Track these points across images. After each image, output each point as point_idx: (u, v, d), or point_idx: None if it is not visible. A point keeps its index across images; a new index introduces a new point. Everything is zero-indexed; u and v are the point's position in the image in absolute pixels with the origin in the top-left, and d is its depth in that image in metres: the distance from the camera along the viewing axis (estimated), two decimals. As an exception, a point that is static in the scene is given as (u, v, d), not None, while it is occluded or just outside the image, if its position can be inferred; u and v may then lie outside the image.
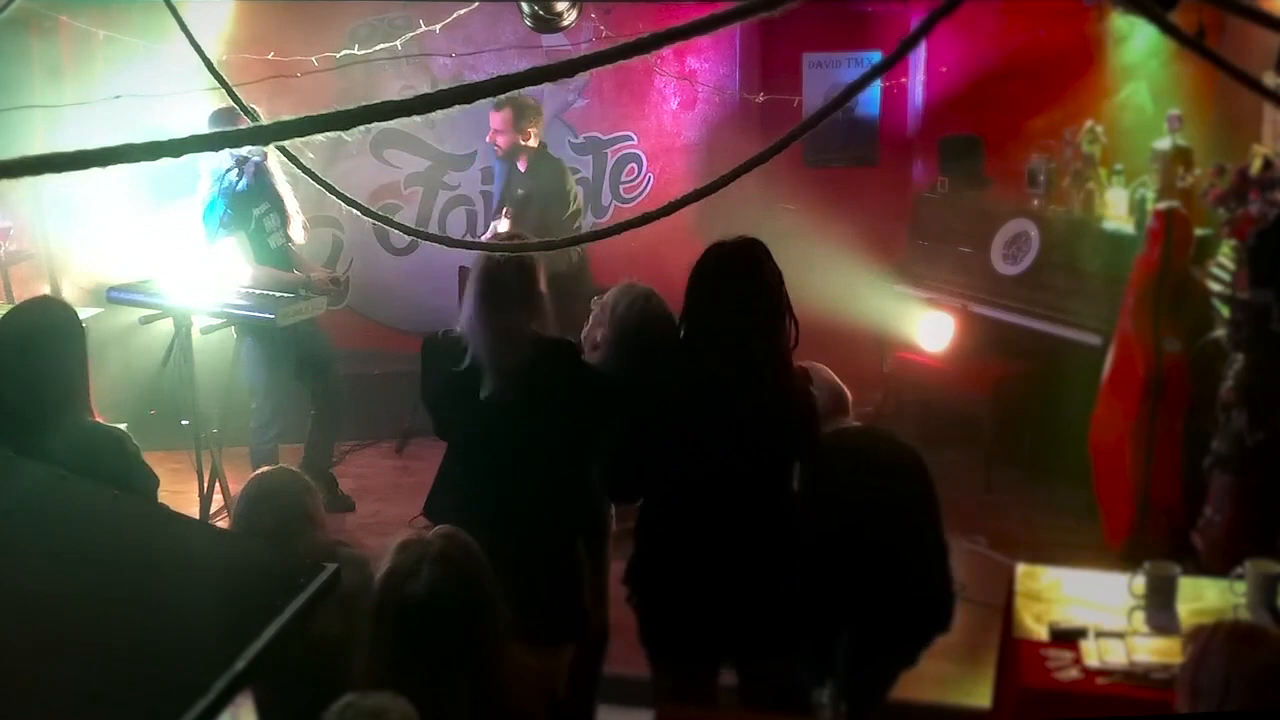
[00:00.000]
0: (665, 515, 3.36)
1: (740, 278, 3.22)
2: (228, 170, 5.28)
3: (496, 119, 5.89)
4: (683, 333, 3.29)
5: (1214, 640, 2.38)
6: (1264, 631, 2.50)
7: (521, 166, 6.01)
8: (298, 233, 5.67)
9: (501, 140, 5.93)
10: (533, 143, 5.96)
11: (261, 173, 5.43)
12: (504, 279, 3.35)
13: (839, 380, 3.69)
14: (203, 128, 5.22)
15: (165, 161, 1.00)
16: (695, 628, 3.33)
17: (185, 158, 1.01)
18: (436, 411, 3.60)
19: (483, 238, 6.02)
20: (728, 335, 3.20)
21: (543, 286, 3.46)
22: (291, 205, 5.62)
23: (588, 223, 7.34)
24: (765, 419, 3.24)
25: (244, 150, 5.22)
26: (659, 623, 3.38)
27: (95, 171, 0.96)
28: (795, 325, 3.26)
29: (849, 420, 3.68)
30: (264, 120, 1.31)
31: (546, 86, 6.55)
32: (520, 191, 6.01)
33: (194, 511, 5.02)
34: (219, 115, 5.25)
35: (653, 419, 3.30)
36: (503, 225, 6.00)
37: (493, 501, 3.37)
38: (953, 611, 3.55)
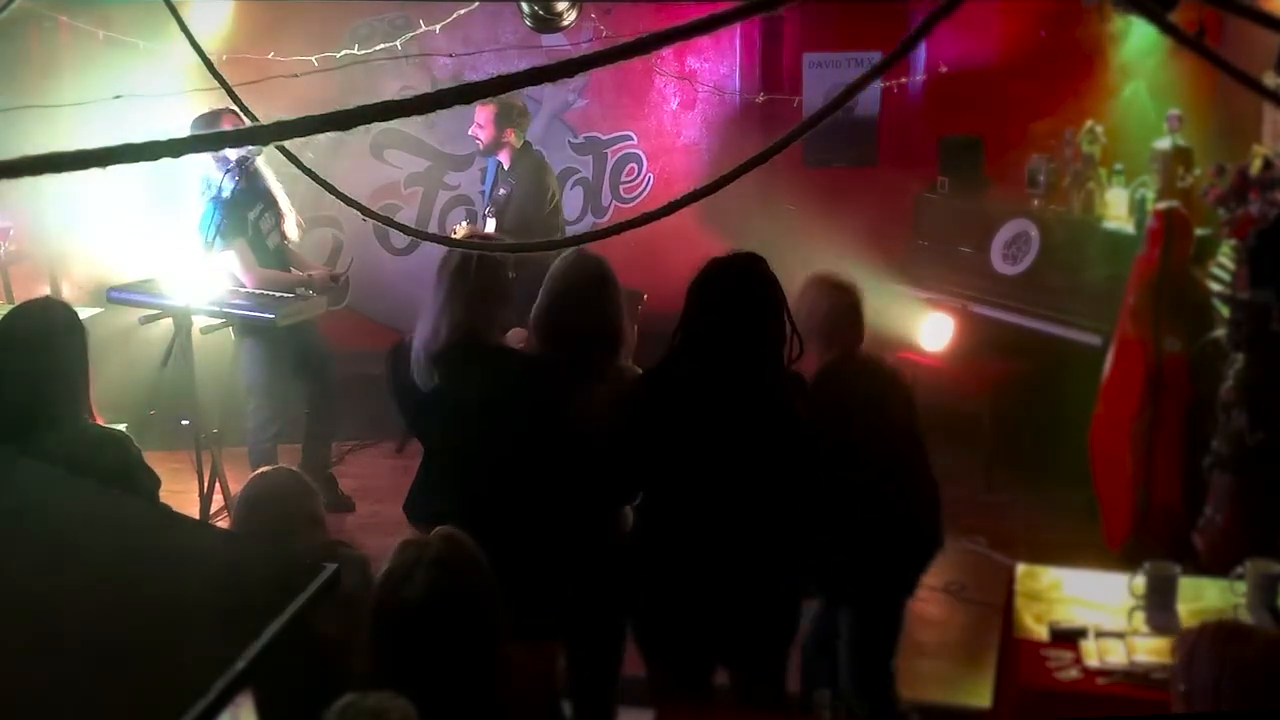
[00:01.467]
0: (660, 519, 3.36)
1: (739, 295, 3.23)
2: (225, 173, 5.28)
3: (481, 113, 5.89)
4: (679, 340, 3.30)
5: (1201, 641, 2.38)
6: (1250, 629, 2.50)
7: (505, 163, 6.03)
8: (292, 230, 5.66)
9: (482, 135, 5.94)
10: (514, 142, 5.96)
11: (253, 175, 5.43)
12: (464, 276, 3.39)
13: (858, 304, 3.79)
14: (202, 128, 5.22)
15: (165, 162, 1.00)
16: (688, 627, 3.33)
17: (181, 161, 1.02)
18: (406, 415, 3.66)
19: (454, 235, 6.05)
20: (725, 348, 3.21)
21: (506, 289, 3.49)
22: (284, 203, 5.61)
23: (587, 223, 7.35)
24: (759, 427, 3.24)
25: (232, 153, 5.22)
26: (653, 622, 3.39)
27: (95, 171, 0.97)
28: (798, 336, 3.27)
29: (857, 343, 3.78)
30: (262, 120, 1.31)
31: (546, 86, 6.55)
32: (501, 190, 6.03)
33: (194, 511, 5.02)
34: (201, 120, 5.24)
35: (646, 425, 3.30)
36: (489, 226, 6.01)
37: (455, 499, 3.38)
38: (942, 528, 3.76)
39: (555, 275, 3.56)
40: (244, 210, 5.42)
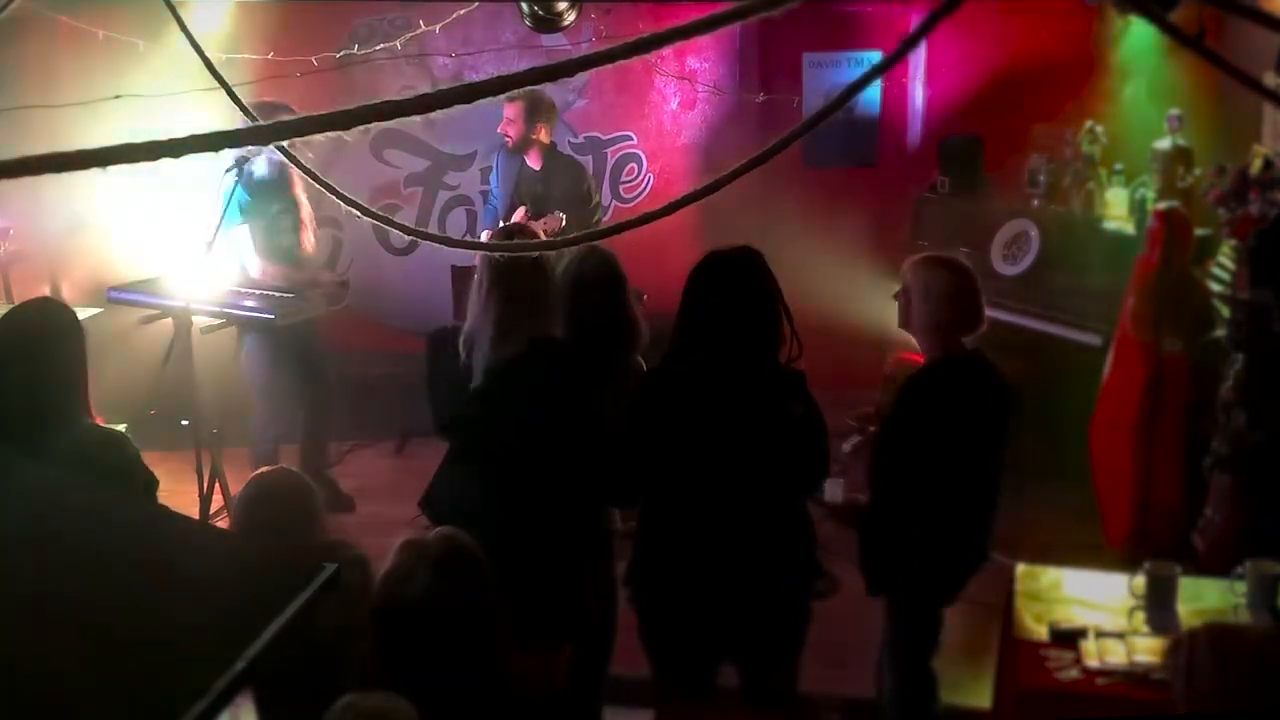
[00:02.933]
0: (664, 518, 3.36)
1: (736, 286, 3.23)
2: (250, 161, 5.29)
3: (510, 109, 5.78)
4: (677, 333, 3.30)
5: (1198, 645, 2.36)
6: (1241, 628, 2.49)
7: (534, 164, 5.89)
8: (309, 241, 5.68)
9: (512, 131, 5.81)
10: (544, 138, 5.88)
11: (283, 171, 5.45)
12: (517, 274, 3.38)
13: (973, 291, 3.62)
14: (202, 128, 5.22)
15: (165, 161, 1.00)
16: (696, 629, 3.33)
17: (181, 161, 1.01)
18: (437, 406, 3.62)
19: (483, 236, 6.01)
20: (721, 341, 3.21)
21: (554, 288, 3.49)
22: (306, 213, 5.64)
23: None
24: (758, 423, 3.25)
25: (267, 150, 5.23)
26: (660, 624, 3.39)
27: (95, 171, 0.96)
28: (796, 338, 3.27)
29: (970, 335, 3.63)
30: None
31: (547, 86, 6.55)
32: (539, 189, 5.93)
33: (194, 511, 5.02)
34: (260, 109, 5.27)
35: (646, 424, 3.30)
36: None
37: (486, 499, 3.37)
38: (990, 545, 3.72)
39: (575, 274, 3.61)
40: (269, 201, 5.44)
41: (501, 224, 5.87)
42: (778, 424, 3.26)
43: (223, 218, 5.19)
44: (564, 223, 5.68)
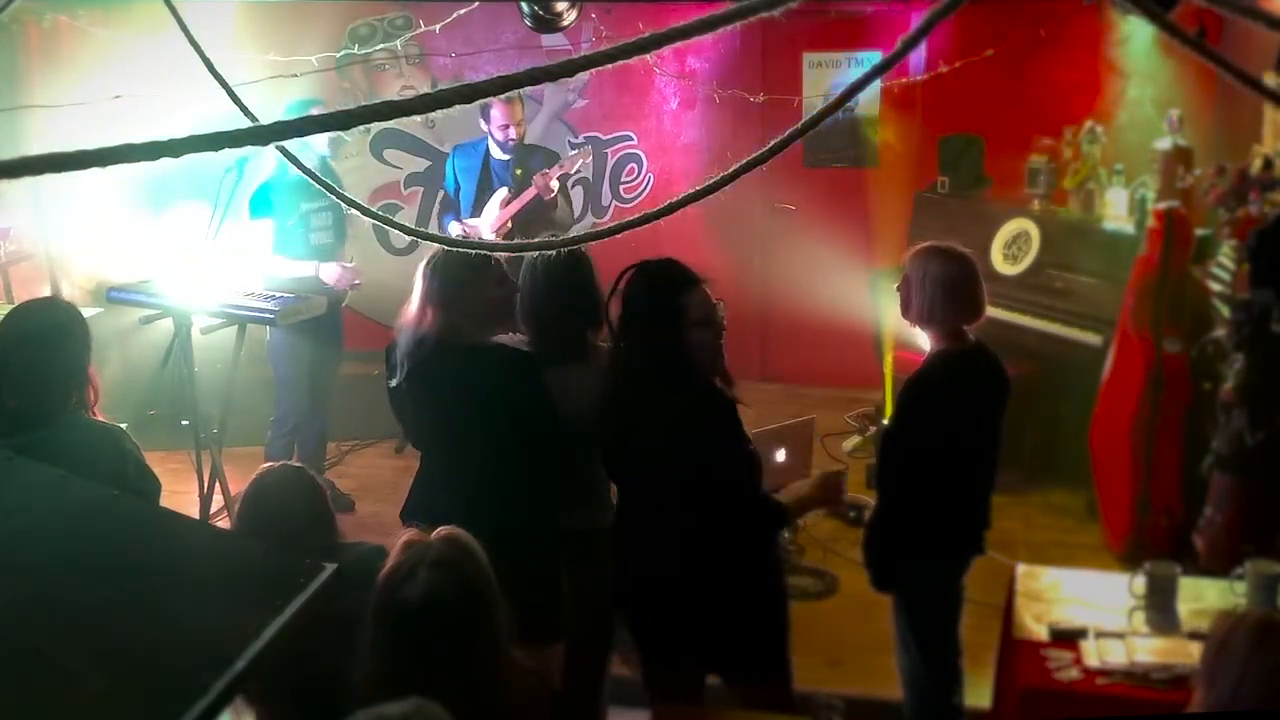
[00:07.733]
0: (625, 531, 3.41)
1: (659, 296, 3.24)
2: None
3: (514, 112, 5.77)
4: (613, 348, 3.32)
5: (1237, 631, 2.36)
6: None
7: (502, 155, 5.92)
8: (339, 235, 5.79)
9: (515, 133, 5.82)
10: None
11: (325, 170, 5.53)
12: (454, 281, 3.37)
13: (974, 285, 3.65)
14: (202, 128, 5.23)
15: (166, 162, 1.00)
16: (674, 641, 3.34)
17: (181, 161, 1.02)
18: (403, 418, 3.61)
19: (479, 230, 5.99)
20: (651, 352, 3.22)
21: (492, 291, 3.47)
22: (347, 218, 5.73)
23: (587, 223, 7.35)
24: (688, 433, 3.22)
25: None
26: (641, 620, 3.40)
27: (95, 171, 0.97)
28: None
29: (970, 325, 3.65)
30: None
31: (546, 86, 6.54)
32: (514, 172, 5.91)
33: (194, 511, 5.02)
34: (296, 108, 5.39)
35: (593, 436, 3.34)
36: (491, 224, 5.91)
37: (458, 505, 3.36)
38: (983, 540, 3.76)
39: (529, 263, 3.62)
40: (299, 199, 5.47)
41: (468, 217, 5.88)
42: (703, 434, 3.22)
43: (222, 218, 5.20)
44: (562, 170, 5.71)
